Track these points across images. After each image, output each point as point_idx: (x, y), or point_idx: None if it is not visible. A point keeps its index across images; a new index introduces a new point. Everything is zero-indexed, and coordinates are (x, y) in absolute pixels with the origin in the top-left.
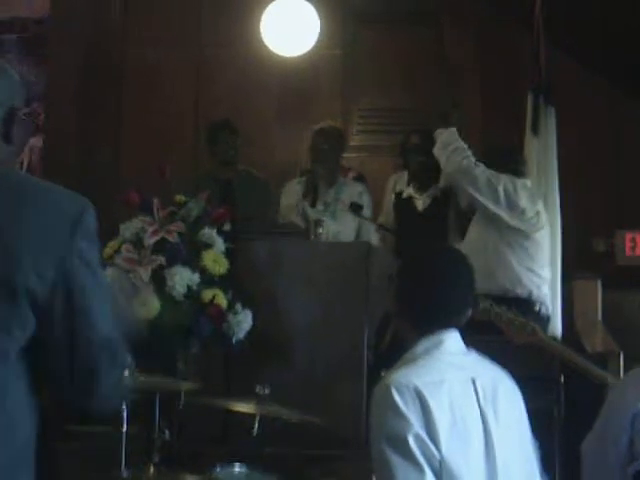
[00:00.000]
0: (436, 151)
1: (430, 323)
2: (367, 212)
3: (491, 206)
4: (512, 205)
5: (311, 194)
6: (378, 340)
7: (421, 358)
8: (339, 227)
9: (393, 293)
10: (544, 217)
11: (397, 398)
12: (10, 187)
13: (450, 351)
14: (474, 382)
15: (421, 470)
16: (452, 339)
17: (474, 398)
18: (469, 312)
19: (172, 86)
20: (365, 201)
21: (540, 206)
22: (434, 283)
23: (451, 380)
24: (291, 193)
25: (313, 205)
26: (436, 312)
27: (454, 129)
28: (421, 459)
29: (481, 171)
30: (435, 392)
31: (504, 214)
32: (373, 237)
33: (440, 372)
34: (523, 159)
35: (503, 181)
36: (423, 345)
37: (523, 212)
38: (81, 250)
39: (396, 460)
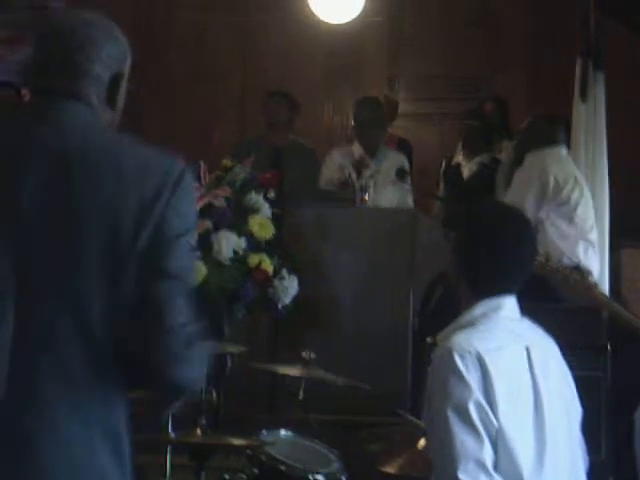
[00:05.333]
0: None
1: (491, 287)
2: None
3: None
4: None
5: (358, 162)
6: (424, 306)
7: (480, 322)
8: (378, 198)
9: (452, 254)
10: (581, 182)
11: (459, 363)
12: (110, 150)
13: (508, 316)
14: (528, 350)
15: (479, 437)
16: (510, 304)
17: (528, 367)
18: (528, 276)
19: (219, 53)
20: (407, 169)
21: (573, 170)
22: (497, 249)
23: (509, 347)
24: (332, 164)
25: (359, 173)
26: (499, 277)
27: None
28: (480, 426)
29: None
30: (495, 359)
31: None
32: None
33: (499, 338)
34: (561, 127)
35: (531, 189)
36: (481, 309)
37: (557, 186)
38: (179, 210)
39: (455, 425)
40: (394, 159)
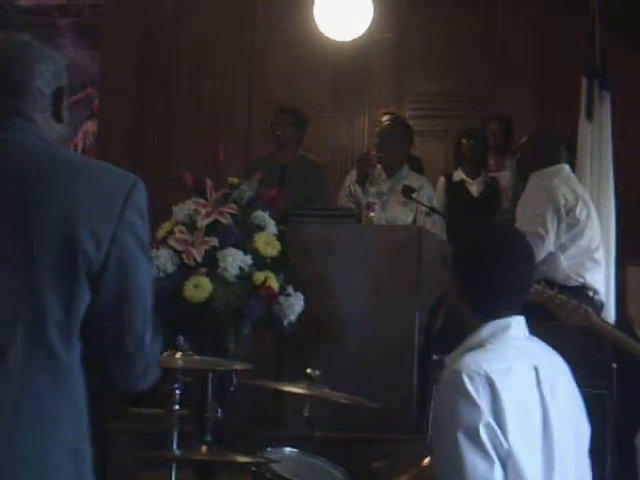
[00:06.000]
0: None
1: (493, 307)
2: (431, 202)
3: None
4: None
5: (364, 179)
6: (430, 323)
7: (489, 342)
8: (389, 217)
9: (450, 276)
10: (588, 201)
11: (468, 385)
12: (62, 164)
13: (516, 336)
14: (537, 370)
15: (490, 460)
16: (518, 324)
17: (536, 386)
18: (528, 294)
19: (225, 71)
20: (425, 193)
21: (580, 189)
22: (497, 267)
23: (518, 367)
24: (344, 190)
25: (363, 189)
26: (499, 296)
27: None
28: (490, 449)
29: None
30: (504, 379)
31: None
32: (427, 226)
33: (508, 358)
34: (563, 144)
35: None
36: (489, 329)
37: (567, 207)
38: (133, 225)
39: (466, 449)
40: (414, 181)
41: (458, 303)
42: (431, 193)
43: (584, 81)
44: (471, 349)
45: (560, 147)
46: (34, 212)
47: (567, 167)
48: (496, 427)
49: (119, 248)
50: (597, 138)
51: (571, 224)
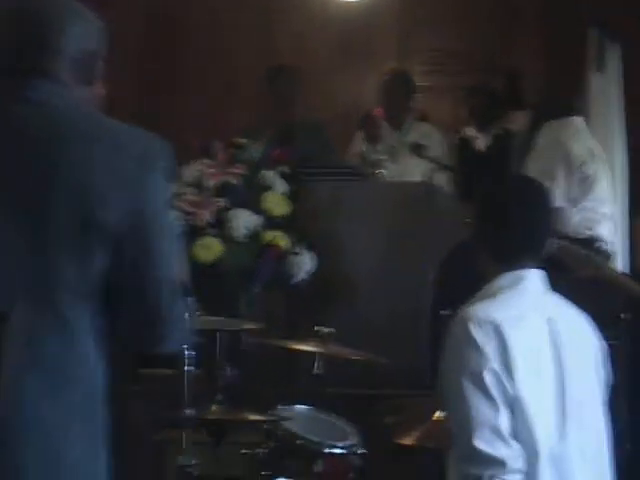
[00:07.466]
0: None
1: (514, 258)
2: (437, 151)
3: None
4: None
5: (371, 138)
6: (440, 278)
7: (501, 293)
8: (402, 170)
9: (469, 227)
10: (599, 154)
11: (475, 332)
12: (82, 126)
13: (531, 288)
14: (552, 322)
15: (495, 405)
16: (534, 276)
17: (550, 338)
18: (550, 245)
19: (234, 32)
20: (435, 141)
21: (592, 143)
22: (513, 217)
23: (529, 317)
24: (353, 149)
25: (373, 147)
26: (519, 248)
27: None
28: (496, 394)
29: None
30: (514, 327)
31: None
32: (442, 180)
33: (519, 308)
34: (577, 95)
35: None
36: (504, 280)
37: (578, 162)
38: (154, 186)
39: (471, 394)
40: (420, 131)
41: (477, 253)
42: (440, 139)
43: (593, 32)
44: (483, 299)
45: (572, 99)
46: (49, 175)
47: (579, 119)
48: (503, 373)
49: (139, 211)
50: (608, 89)
51: (582, 178)
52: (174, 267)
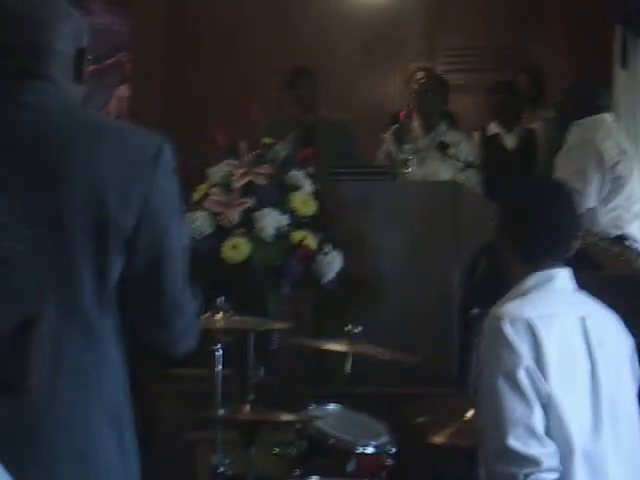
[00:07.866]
0: None
1: (539, 259)
2: (469, 158)
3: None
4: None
5: (401, 139)
6: (468, 277)
7: (531, 292)
8: (430, 173)
9: (496, 228)
10: (631, 154)
11: (509, 330)
12: (88, 126)
13: (561, 287)
14: (583, 320)
15: (529, 404)
16: (563, 276)
17: (583, 336)
18: (576, 245)
19: (257, 31)
20: (464, 149)
21: (624, 141)
22: (542, 218)
23: (562, 315)
24: (386, 140)
25: (400, 147)
26: (546, 248)
27: None
28: (530, 393)
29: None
30: (547, 325)
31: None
32: (471, 180)
33: (552, 306)
34: (604, 91)
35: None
36: (534, 280)
37: (610, 162)
38: (163, 186)
39: (505, 393)
40: (452, 137)
41: (504, 256)
42: (470, 149)
43: (618, 29)
44: (514, 299)
45: (601, 95)
46: (61, 178)
47: (608, 116)
48: (536, 372)
49: (150, 211)
50: (632, 86)
51: (613, 179)
52: (186, 266)
